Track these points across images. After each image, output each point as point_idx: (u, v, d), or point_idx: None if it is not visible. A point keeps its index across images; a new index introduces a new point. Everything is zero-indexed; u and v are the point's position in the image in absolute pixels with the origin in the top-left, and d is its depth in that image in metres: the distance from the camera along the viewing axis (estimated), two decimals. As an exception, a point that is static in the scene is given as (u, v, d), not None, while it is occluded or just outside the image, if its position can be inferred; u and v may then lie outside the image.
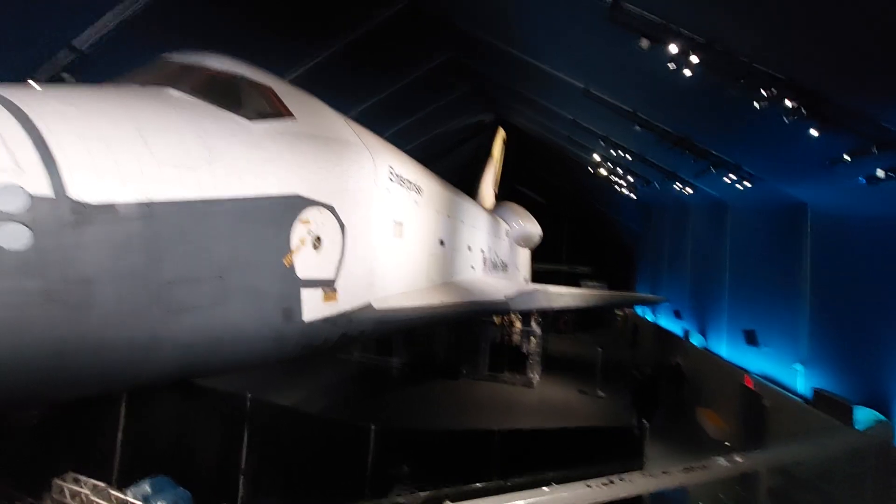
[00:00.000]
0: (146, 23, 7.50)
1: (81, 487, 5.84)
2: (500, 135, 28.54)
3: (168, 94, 4.45)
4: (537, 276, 29.03)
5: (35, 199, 2.87)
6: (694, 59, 7.21)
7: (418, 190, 8.47)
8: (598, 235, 40.63)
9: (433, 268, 9.50)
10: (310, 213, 5.06)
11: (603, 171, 20.72)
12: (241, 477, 6.18)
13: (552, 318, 30.35)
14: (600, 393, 15.82)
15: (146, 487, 5.58)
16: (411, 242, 8.12)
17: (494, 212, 21.26)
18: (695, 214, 18.38)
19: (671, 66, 7.37)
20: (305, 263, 4.99)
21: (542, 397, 15.24)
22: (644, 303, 25.05)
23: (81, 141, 3.24)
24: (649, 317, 26.33)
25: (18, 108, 3.07)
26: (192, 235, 3.76)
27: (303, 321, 5.00)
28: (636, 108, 10.95)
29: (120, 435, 6.45)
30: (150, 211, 3.47)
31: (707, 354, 15.66)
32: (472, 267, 13.53)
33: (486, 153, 26.96)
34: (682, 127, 10.76)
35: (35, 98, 3.28)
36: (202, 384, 6.08)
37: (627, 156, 15.10)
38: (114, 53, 7.54)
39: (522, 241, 22.45)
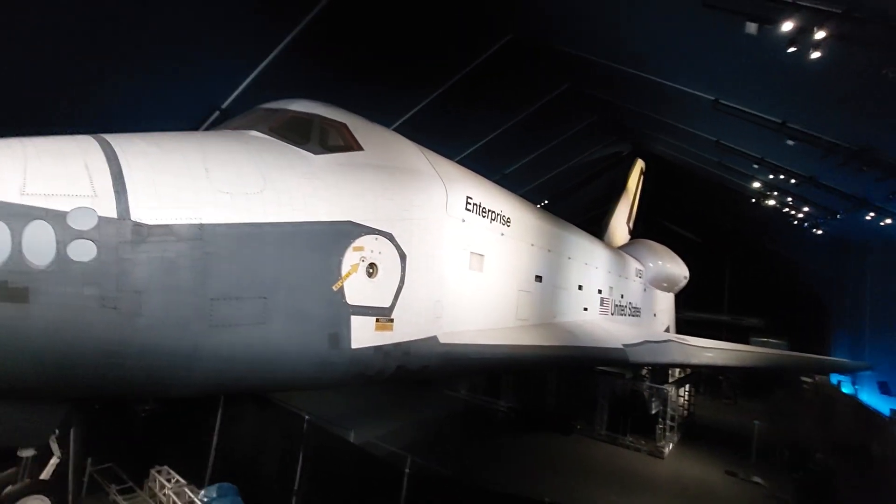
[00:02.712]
0: (271, 80, 9.09)
1: (168, 481, 6.80)
2: (638, 166, 26.42)
3: (248, 135, 5.12)
4: (689, 326, 25.19)
5: (102, 220, 3.48)
6: (820, 34, 5.48)
7: (506, 221, 8.14)
8: (773, 281, 33.66)
9: (525, 306, 8.90)
10: (364, 241, 5.19)
11: (771, 202, 17.38)
12: (294, 497, 6.40)
13: (713, 380, 25.82)
14: (756, 479, 12.50)
15: (213, 492, 6.21)
16: (494, 276, 7.75)
17: (625, 249, 19.37)
18: (909, 254, 13.97)
19: (795, 50, 5.75)
20: (357, 290, 5.10)
21: (673, 472, 12.66)
22: (835, 370, 19.54)
23: (152, 173, 3.88)
24: (847, 388, 20.42)
25: (110, 146, 3.84)
26: (237, 256, 4.14)
27: (351, 348, 5.06)
28: (785, 118, 8.92)
29: (215, 439, 7.38)
30: (200, 232, 3.94)
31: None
32: (585, 309, 12.35)
33: (621, 187, 25.16)
34: (855, 134, 8.34)
35: (127, 139, 4.04)
36: (274, 399, 6.61)
37: (792, 180, 12.37)
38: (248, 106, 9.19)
39: (661, 283, 19.87)
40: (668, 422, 14.77)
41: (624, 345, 12.16)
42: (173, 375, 3.90)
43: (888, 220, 11.67)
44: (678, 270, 20.15)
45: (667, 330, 20.89)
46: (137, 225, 3.64)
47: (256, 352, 4.32)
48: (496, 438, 13.67)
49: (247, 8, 8.30)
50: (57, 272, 3.29)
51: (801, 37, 5.77)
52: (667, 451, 14.19)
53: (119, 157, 3.79)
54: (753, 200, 18.55)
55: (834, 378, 22.20)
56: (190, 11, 7.75)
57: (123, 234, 3.57)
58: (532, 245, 9.23)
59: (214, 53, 8.55)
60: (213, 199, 4.08)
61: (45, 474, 4.11)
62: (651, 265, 19.13)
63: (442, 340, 6.33)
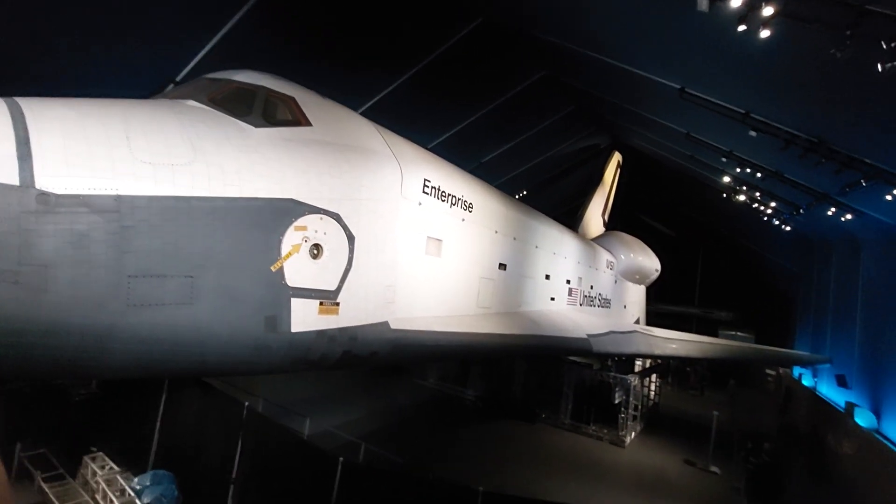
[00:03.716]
0: (229, 53, 8.73)
1: (101, 468, 6.58)
2: (615, 158, 26.68)
3: (183, 104, 4.85)
4: (661, 319, 25.72)
5: (3, 187, 3.23)
6: (768, 10, 5.44)
7: (467, 206, 8.05)
8: (743, 275, 34.64)
9: (487, 294, 8.86)
10: (307, 220, 5.02)
11: (741, 197, 17.72)
12: (231, 486, 6.27)
13: (681, 372, 26.53)
14: (713, 468, 12.90)
15: (147, 479, 6.03)
16: (453, 263, 7.67)
17: (598, 241, 19.57)
18: (867, 250, 14.43)
19: (745, 28, 5.70)
20: (299, 271, 4.93)
21: (633, 461, 12.97)
22: (797, 363, 20.24)
23: (64, 139, 3.62)
24: (808, 381, 21.20)
25: (19, 109, 3.57)
26: (159, 231, 3.92)
27: (290, 332, 4.90)
28: (748, 108, 8.98)
29: (157, 424, 7.17)
30: (117, 204, 3.71)
31: (875, 442, 11.72)
32: (552, 298, 12.42)
33: (598, 179, 25.37)
34: (812, 125, 8.44)
35: (43, 103, 3.76)
36: (216, 384, 6.44)
37: (759, 174, 12.58)
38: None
39: (633, 275, 20.18)
40: (631, 411, 15.08)
41: (588, 335, 12.29)
42: (86, 356, 3.69)
43: (848, 216, 11.99)
44: (650, 263, 20.49)
45: (637, 322, 21.29)
46: (43, 194, 3.40)
47: (183, 333, 4.13)
48: (461, 427, 13.76)
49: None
50: (-53, 242, 3.04)
51: (750, 14, 5.73)
52: (628, 440, 14.52)
53: (27, 121, 3.53)
54: (725, 195, 18.90)
55: (796, 371, 23.03)
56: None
57: (27, 203, 3.33)
58: (496, 232, 9.18)
59: (168, 21, 8.14)
60: (132, 170, 3.84)
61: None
62: (623, 257, 19.41)
63: (394, 326, 6.22)
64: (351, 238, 5.53)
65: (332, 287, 5.34)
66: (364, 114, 9.67)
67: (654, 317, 26.17)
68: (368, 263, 5.80)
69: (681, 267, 34.39)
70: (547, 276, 12.04)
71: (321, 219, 5.16)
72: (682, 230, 35.29)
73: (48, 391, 6.86)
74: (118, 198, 3.72)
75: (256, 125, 4.96)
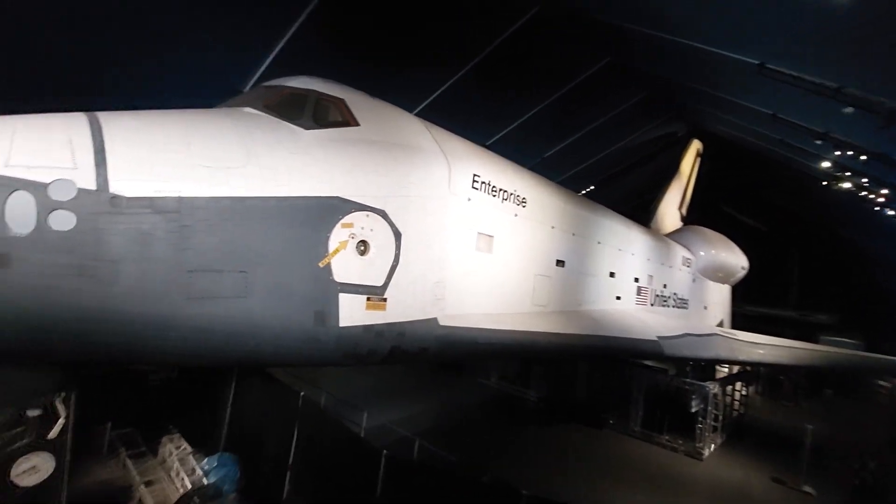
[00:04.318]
0: (290, 62, 9.22)
1: (175, 448, 7.25)
2: (694, 147, 24.72)
3: (240, 111, 5.19)
4: (750, 322, 23.43)
5: (81, 191, 3.63)
6: None
7: (521, 201, 7.83)
8: (848, 274, 30.53)
9: (543, 291, 8.57)
10: (354, 217, 5.14)
11: (845, 184, 15.66)
12: (288, 472, 6.59)
13: (773, 380, 24.06)
14: (806, 488, 11.46)
15: (213, 461, 6.54)
16: (505, 259, 7.50)
17: (673, 236, 18.26)
18: None
19: None
20: (346, 267, 5.07)
21: (711, 475, 11.88)
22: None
23: (133, 147, 4.00)
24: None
25: (97, 121, 4.00)
26: (215, 229, 4.21)
27: (339, 326, 5.05)
28: (841, 82, 7.76)
29: (228, 410, 7.77)
30: (178, 205, 4.03)
31: None
32: (618, 297, 11.76)
33: (674, 170, 23.68)
34: None
35: (116, 116, 4.19)
36: (276, 374, 6.79)
37: (862, 157, 10.97)
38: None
39: (714, 273, 18.61)
40: (711, 421, 13.85)
41: (659, 337, 11.47)
42: (149, 344, 4.04)
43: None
44: (734, 260, 18.76)
45: (720, 324, 19.59)
46: (115, 197, 3.76)
47: (237, 325, 4.40)
48: (521, 429, 13.46)
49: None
50: (37, 240, 3.46)
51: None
52: (707, 452, 13.37)
53: (103, 132, 3.93)
54: (824, 183, 16.79)
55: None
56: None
57: (101, 205, 3.71)
58: (552, 227, 8.85)
59: (233, 35, 8.82)
60: (192, 174, 4.16)
61: (52, 434, 4.44)
62: (702, 254, 17.93)
63: (443, 323, 6.20)
64: (398, 234, 5.58)
65: (379, 283, 5.43)
66: (420, 113, 9.69)
67: (742, 320, 23.93)
68: (416, 259, 5.83)
69: (774, 264, 31.08)
70: (611, 274, 11.41)
71: (367, 216, 5.27)
72: (774, 223, 31.85)
73: (131, 376, 7.75)
74: (179, 199, 4.03)
75: (306, 127, 5.18)
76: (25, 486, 4.15)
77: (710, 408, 13.93)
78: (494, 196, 7.25)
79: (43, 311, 3.52)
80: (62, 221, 3.56)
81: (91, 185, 3.69)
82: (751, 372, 19.49)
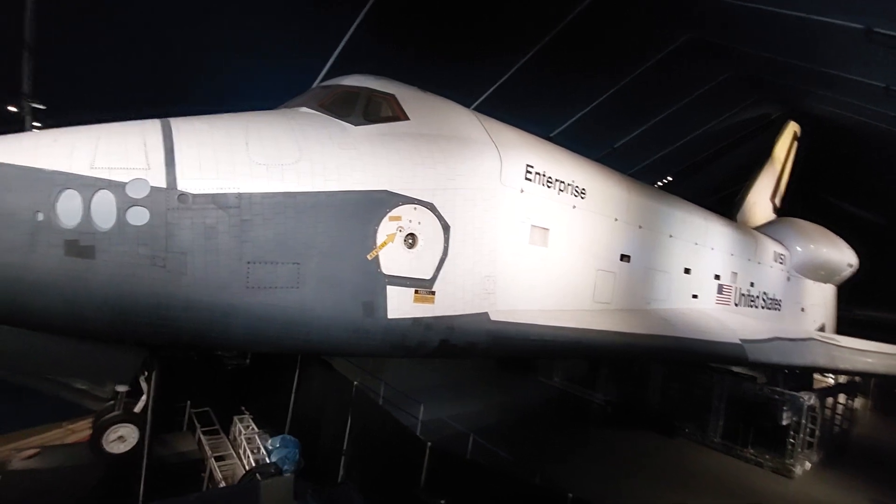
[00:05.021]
0: (351, 62, 9.58)
1: (244, 428, 7.82)
2: (790, 130, 22.24)
3: (296, 111, 5.49)
4: (860, 328, 20.63)
5: (153, 189, 4.04)
6: None
7: (579, 192, 7.51)
8: None
9: (605, 287, 8.17)
10: (402, 210, 5.24)
11: None
12: (342, 458, 6.83)
13: (890, 394, 21.14)
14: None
15: (277, 442, 6.97)
16: (562, 253, 7.25)
17: (764, 229, 16.59)
18: None
19: None
20: (394, 260, 5.19)
21: (802, 496, 10.61)
22: None
23: (198, 148, 4.38)
24: None
25: (169, 126, 4.43)
26: (271, 223, 4.49)
27: (387, 318, 5.18)
28: None
29: (292, 396, 8.27)
30: (237, 200, 4.36)
31: None
32: (695, 296, 10.90)
33: (766, 156, 21.49)
34: None
35: (186, 121, 4.61)
36: (341, 364, 7.09)
37: None
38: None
39: (814, 271, 16.63)
40: (805, 436, 12.40)
41: (742, 340, 10.48)
42: (213, 330, 4.41)
43: None
44: (838, 256, 16.64)
45: (822, 329, 17.47)
46: (182, 194, 4.14)
47: (290, 314, 4.66)
48: (585, 432, 12.96)
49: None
50: (117, 234, 3.91)
51: None
52: (799, 470, 11.98)
53: (173, 135, 4.35)
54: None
55: None
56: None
57: (171, 201, 4.10)
58: (616, 220, 8.39)
59: (295, 40, 9.40)
60: (249, 171, 4.47)
61: (138, 408, 5.00)
62: (799, 249, 16.08)
63: (494, 318, 6.14)
64: (446, 227, 5.60)
65: (428, 276, 5.48)
66: (482, 104, 9.59)
67: (850, 325, 21.12)
68: (465, 252, 5.81)
69: (893, 262, 26.99)
70: (686, 270, 10.60)
71: (415, 209, 5.34)
72: (893, 215, 27.66)
73: (209, 361, 8.58)
74: (239, 195, 4.35)
75: (356, 123, 5.35)
76: (114, 454, 4.71)
77: (804, 421, 12.46)
78: (550, 187, 7.02)
79: (122, 296, 3.97)
80: (138, 217, 3.98)
81: (162, 183, 4.09)
82: (859, 383, 17.15)
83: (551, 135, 15.89)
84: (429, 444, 6.22)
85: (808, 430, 12.42)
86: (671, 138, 21.47)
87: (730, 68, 17.20)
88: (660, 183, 24.25)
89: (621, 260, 8.52)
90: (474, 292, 5.97)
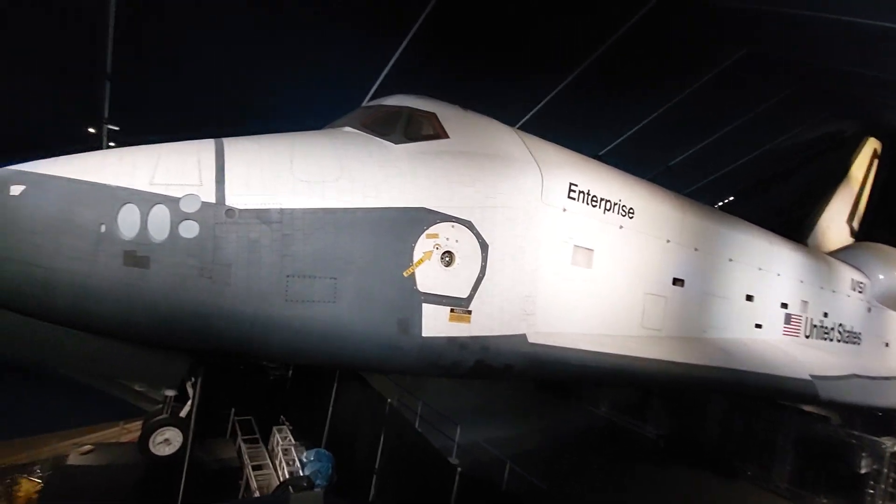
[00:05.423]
0: (399, 81, 9.88)
1: (282, 439, 7.95)
2: (870, 147, 20.52)
3: (340, 131, 5.71)
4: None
5: (204, 204, 4.29)
6: None
7: (627, 212, 7.23)
8: None
9: (655, 313, 7.75)
10: (439, 228, 5.26)
11: None
12: (374, 477, 6.75)
13: None
14: None
15: (311, 455, 7.02)
16: (607, 275, 6.96)
17: (839, 255, 15.26)
18: None
19: None
20: (430, 278, 5.19)
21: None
22: None
23: (246, 166, 4.62)
24: None
25: (221, 146, 4.72)
26: (310, 238, 4.64)
27: (421, 336, 5.16)
28: None
29: (330, 410, 8.37)
30: (280, 216, 4.54)
31: None
32: (758, 325, 10.10)
33: (841, 175, 19.93)
34: None
35: (238, 141, 4.89)
36: (378, 380, 7.10)
37: None
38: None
39: (899, 301, 15.01)
40: (887, 487, 10.99)
41: (813, 376, 9.56)
42: (253, 339, 4.57)
43: None
44: (930, 285, 14.89)
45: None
46: (230, 209, 4.37)
47: (327, 328, 4.75)
48: (633, 466, 12.15)
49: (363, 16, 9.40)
50: (170, 245, 4.17)
51: None
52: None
53: (225, 154, 4.63)
54: None
55: None
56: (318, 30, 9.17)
57: (219, 216, 4.33)
58: (668, 241, 7.99)
59: (345, 61, 9.89)
60: (292, 187, 4.65)
61: (183, 413, 5.23)
62: (881, 277, 14.64)
63: (532, 340, 5.97)
64: (484, 246, 5.55)
65: (464, 295, 5.43)
66: (527, 123, 9.55)
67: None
68: (503, 272, 5.72)
69: None
70: (748, 297, 9.88)
71: (452, 226, 5.33)
72: None
73: (253, 369, 8.91)
74: (281, 211, 4.54)
75: (397, 142, 5.47)
76: (160, 455, 4.94)
77: (885, 469, 11.06)
78: (595, 206, 6.81)
79: (171, 305, 4.20)
80: (189, 230, 4.23)
81: (212, 198, 4.34)
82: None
83: (600, 153, 15.52)
84: (458, 469, 6.06)
85: (890, 480, 10.98)
86: (731, 157, 20.40)
87: (794, 83, 16.18)
88: (720, 203, 23.03)
89: (674, 284, 8.07)
90: (512, 313, 5.84)
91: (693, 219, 8.68)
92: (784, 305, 10.92)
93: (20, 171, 3.97)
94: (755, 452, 12.58)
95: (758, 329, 10.14)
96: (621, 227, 7.19)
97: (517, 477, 6.19)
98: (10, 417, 7.98)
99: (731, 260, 9.43)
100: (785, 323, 10.98)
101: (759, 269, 10.25)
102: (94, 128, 8.79)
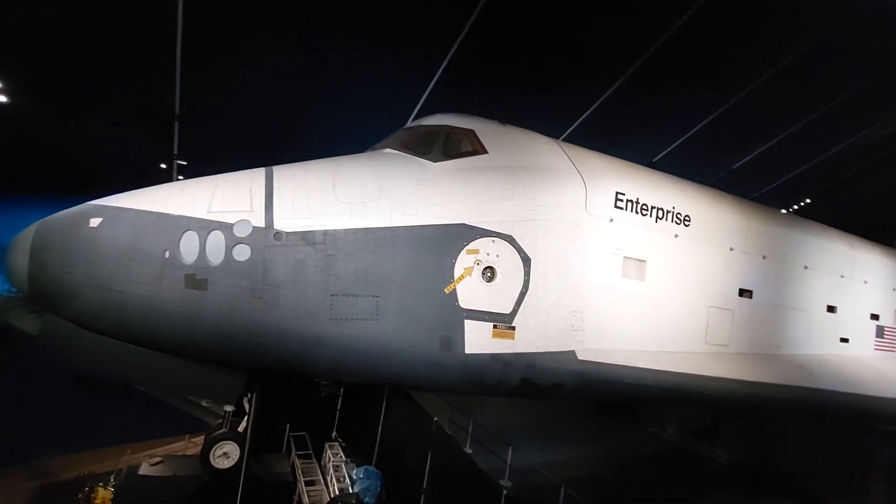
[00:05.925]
0: (442, 100, 10.14)
1: (334, 455, 8.05)
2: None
3: (381, 152, 5.91)
4: None
5: (255, 229, 4.57)
6: None
7: (682, 219, 6.85)
8: None
9: (720, 327, 7.23)
10: (479, 243, 5.26)
11: None
12: (422, 496, 6.64)
13: None
14: None
15: (361, 472, 7.05)
16: (662, 287, 6.61)
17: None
18: None
19: None
20: (472, 294, 5.19)
21: None
22: None
23: (293, 192, 4.89)
24: None
25: (271, 173, 5.03)
26: (353, 258, 4.81)
27: (464, 353, 5.13)
28: None
29: (380, 427, 8.43)
30: (323, 237, 4.75)
31: None
32: (844, 340, 9.14)
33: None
34: None
35: (286, 168, 5.20)
36: (429, 400, 7.08)
37: None
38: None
39: None
40: None
41: (910, 396, 8.40)
42: (302, 358, 4.76)
43: None
44: None
45: None
46: (277, 232, 4.63)
47: (370, 346, 4.86)
48: (701, 494, 11.16)
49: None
50: (225, 268, 4.47)
51: None
52: None
53: (273, 181, 4.92)
54: None
55: None
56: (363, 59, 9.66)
57: (268, 239, 4.60)
58: (731, 249, 7.48)
59: (386, 89, 10.28)
60: (335, 209, 4.86)
61: (241, 427, 5.50)
62: None
63: (581, 357, 5.75)
64: (526, 260, 5.47)
65: (507, 310, 5.36)
66: (575, 131, 9.36)
67: None
68: (548, 286, 5.60)
69: None
70: (830, 308, 8.99)
71: (493, 241, 5.31)
72: None
73: (307, 386, 9.21)
74: (325, 232, 4.74)
75: (435, 160, 5.57)
76: (219, 468, 5.20)
77: None
78: (645, 215, 6.53)
79: (227, 324, 4.48)
80: (242, 253, 4.52)
81: (261, 223, 4.62)
82: None
83: (653, 161, 14.90)
84: (504, 492, 5.87)
85: None
86: (804, 157, 18.87)
87: (869, 74, 14.77)
88: (795, 207, 21.35)
89: (740, 295, 7.51)
90: (559, 328, 5.67)
91: (759, 224, 8.07)
92: (875, 317, 9.83)
93: (98, 206, 4.45)
94: (845, 483, 11.21)
95: (844, 343, 9.17)
96: (676, 235, 6.82)
97: (572, 502, 5.87)
98: (95, 429, 8.81)
99: (806, 268, 8.64)
100: (877, 336, 9.86)
101: (842, 276, 9.31)
102: (165, 163, 9.75)
